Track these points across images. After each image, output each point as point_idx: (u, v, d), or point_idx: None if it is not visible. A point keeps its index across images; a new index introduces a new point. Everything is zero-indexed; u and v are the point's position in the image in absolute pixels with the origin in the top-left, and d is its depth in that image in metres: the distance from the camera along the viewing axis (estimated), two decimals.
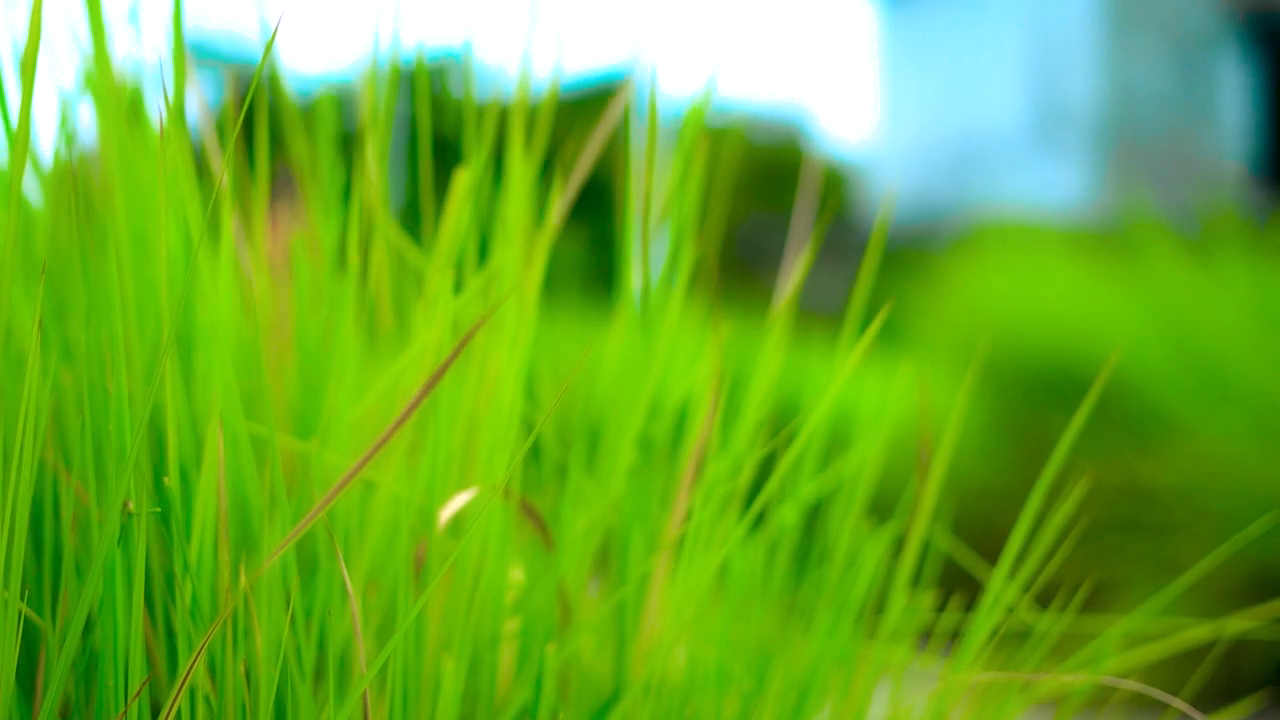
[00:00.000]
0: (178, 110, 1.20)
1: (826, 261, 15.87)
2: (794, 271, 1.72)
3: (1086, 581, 4.54)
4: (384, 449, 1.17)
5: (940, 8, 17.30)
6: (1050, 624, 1.36)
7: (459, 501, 1.12)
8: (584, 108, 23.95)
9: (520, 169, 1.24)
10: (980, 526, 5.41)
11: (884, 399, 6.24)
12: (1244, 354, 4.70)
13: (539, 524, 1.17)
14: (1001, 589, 1.32)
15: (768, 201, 24.11)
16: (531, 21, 1.36)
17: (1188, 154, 14.77)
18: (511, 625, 1.24)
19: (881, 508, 4.81)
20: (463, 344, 1.00)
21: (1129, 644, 1.48)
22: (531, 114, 1.38)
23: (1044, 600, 4.57)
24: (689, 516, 1.25)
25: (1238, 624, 1.33)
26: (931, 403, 5.87)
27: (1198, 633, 1.34)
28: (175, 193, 1.11)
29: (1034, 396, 5.31)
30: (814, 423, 1.32)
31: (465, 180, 1.21)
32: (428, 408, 1.17)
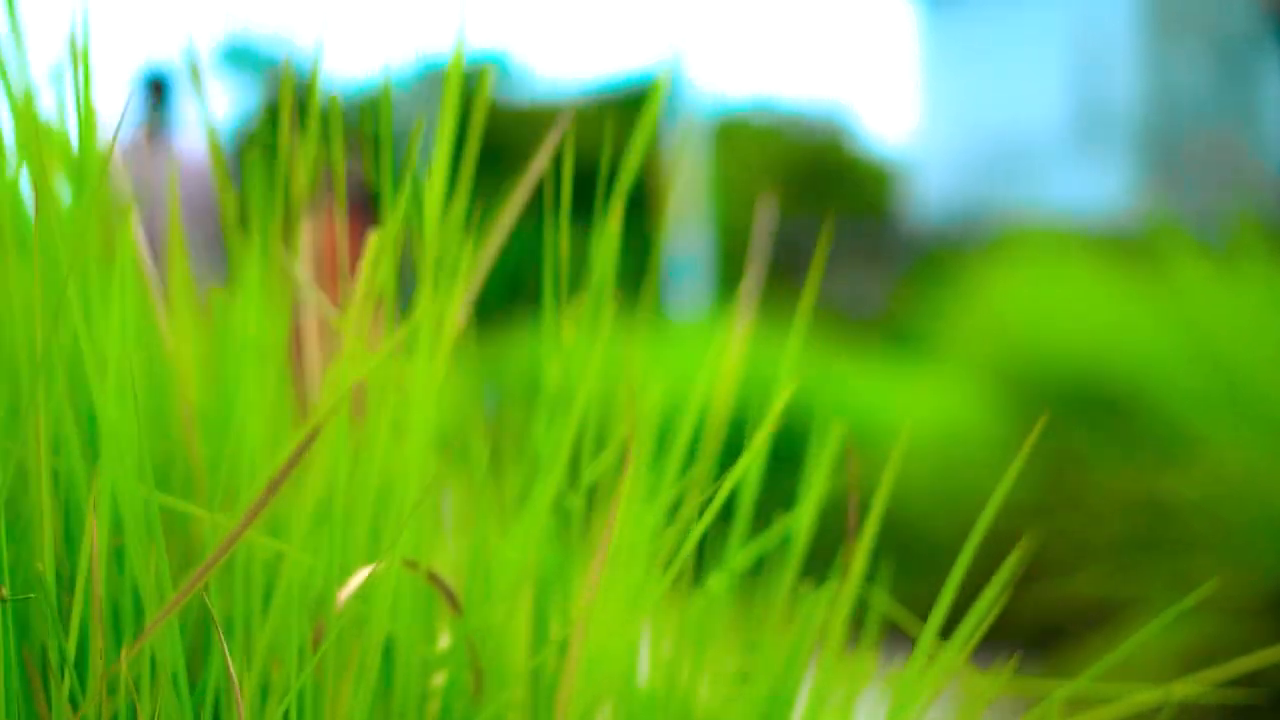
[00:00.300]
0: (85, 167, 1.17)
1: (865, 263, 15.85)
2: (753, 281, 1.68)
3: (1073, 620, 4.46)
4: (292, 517, 1.14)
5: (980, 8, 17.22)
6: (987, 686, 1.32)
7: (361, 576, 1.09)
8: (619, 110, 23.91)
9: (435, 224, 1.21)
10: (1003, 541, 5.35)
11: (909, 407, 6.20)
12: (1266, 367, 4.64)
13: (446, 593, 1.14)
14: (935, 642, 1.28)
15: (809, 202, 24.02)
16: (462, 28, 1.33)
17: (1229, 157, 14.66)
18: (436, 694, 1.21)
19: (900, 523, 4.74)
20: (329, 413, 0.97)
21: (1091, 701, 1.43)
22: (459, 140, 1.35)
23: (1058, 622, 4.49)
24: (611, 572, 1.22)
25: (1186, 688, 1.29)
26: (955, 413, 5.83)
27: (1146, 697, 1.30)
28: (50, 250, 1.08)
29: (1058, 409, 5.26)
30: (750, 458, 1.29)
31: (381, 240, 1.18)
32: (339, 472, 1.14)
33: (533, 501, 1.19)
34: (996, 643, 5.31)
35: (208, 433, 1.22)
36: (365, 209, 9.09)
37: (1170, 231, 5.35)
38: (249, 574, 1.12)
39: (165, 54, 7.84)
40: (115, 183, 1.35)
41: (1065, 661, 4.71)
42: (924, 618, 4.67)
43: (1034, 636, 4.97)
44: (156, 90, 7.49)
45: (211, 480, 1.19)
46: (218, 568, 1.16)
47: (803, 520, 1.29)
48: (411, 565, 1.12)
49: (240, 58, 27.30)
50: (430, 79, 20.24)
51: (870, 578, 1.52)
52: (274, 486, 0.97)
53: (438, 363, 1.15)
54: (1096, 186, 15.20)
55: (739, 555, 1.27)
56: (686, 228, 13.47)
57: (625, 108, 24.23)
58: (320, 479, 1.13)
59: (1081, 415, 5.12)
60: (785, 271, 15.50)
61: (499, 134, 25.74)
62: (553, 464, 1.18)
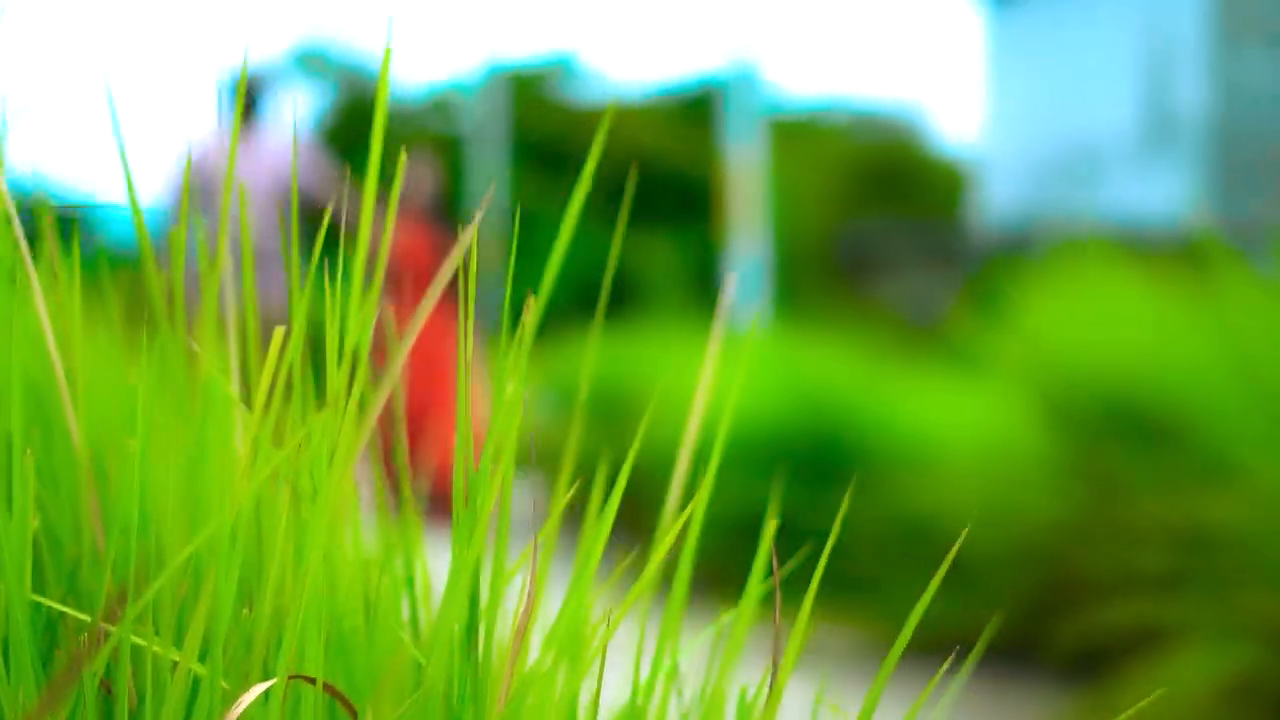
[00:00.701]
0: None
1: (932, 266, 15.71)
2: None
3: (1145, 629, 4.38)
4: (192, 629, 1.10)
5: (1045, 10, 17.08)
6: None
7: (254, 693, 1.05)
8: (681, 113, 23.87)
9: (351, 316, 1.16)
10: (1049, 562, 5.30)
11: (956, 423, 6.13)
12: None
13: (344, 702, 1.09)
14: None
15: (874, 203, 23.91)
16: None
17: None
18: None
19: (943, 539, 4.64)
20: (228, 513, 0.93)
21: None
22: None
23: (1100, 648, 4.41)
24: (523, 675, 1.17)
25: None
26: (1002, 430, 5.75)
27: None
28: None
29: (1104, 430, 5.18)
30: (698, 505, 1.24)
31: (283, 336, 1.13)
32: (228, 577, 1.10)
33: (445, 602, 1.15)
34: (1037, 667, 5.26)
35: (123, 528, 1.18)
36: (437, 214, 9.02)
37: (1220, 246, 5.26)
38: (143, 685, 1.08)
39: (250, 58, 8.10)
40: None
41: (1107, 688, 4.64)
42: (965, 634, 4.63)
43: (1075, 661, 4.90)
44: (246, 92, 7.80)
45: (116, 580, 1.15)
46: (123, 676, 1.12)
47: (743, 619, 1.24)
48: (306, 679, 1.08)
49: (313, 62, 27.40)
50: (499, 81, 20.25)
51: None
52: (116, 608, 0.93)
53: (341, 470, 1.10)
54: (1164, 190, 15.05)
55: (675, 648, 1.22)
56: (748, 230, 13.40)
57: (692, 109, 24.19)
58: (215, 585, 1.09)
59: (1127, 437, 5.05)
60: (852, 273, 15.43)
61: (566, 135, 25.74)
62: (462, 566, 1.13)
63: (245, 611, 1.07)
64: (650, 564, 1.26)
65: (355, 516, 1.28)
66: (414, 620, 1.29)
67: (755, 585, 1.20)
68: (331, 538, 1.11)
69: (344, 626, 1.19)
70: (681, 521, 1.28)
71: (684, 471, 1.42)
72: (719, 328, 1.53)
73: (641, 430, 1.33)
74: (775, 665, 1.13)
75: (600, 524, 1.23)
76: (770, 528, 1.37)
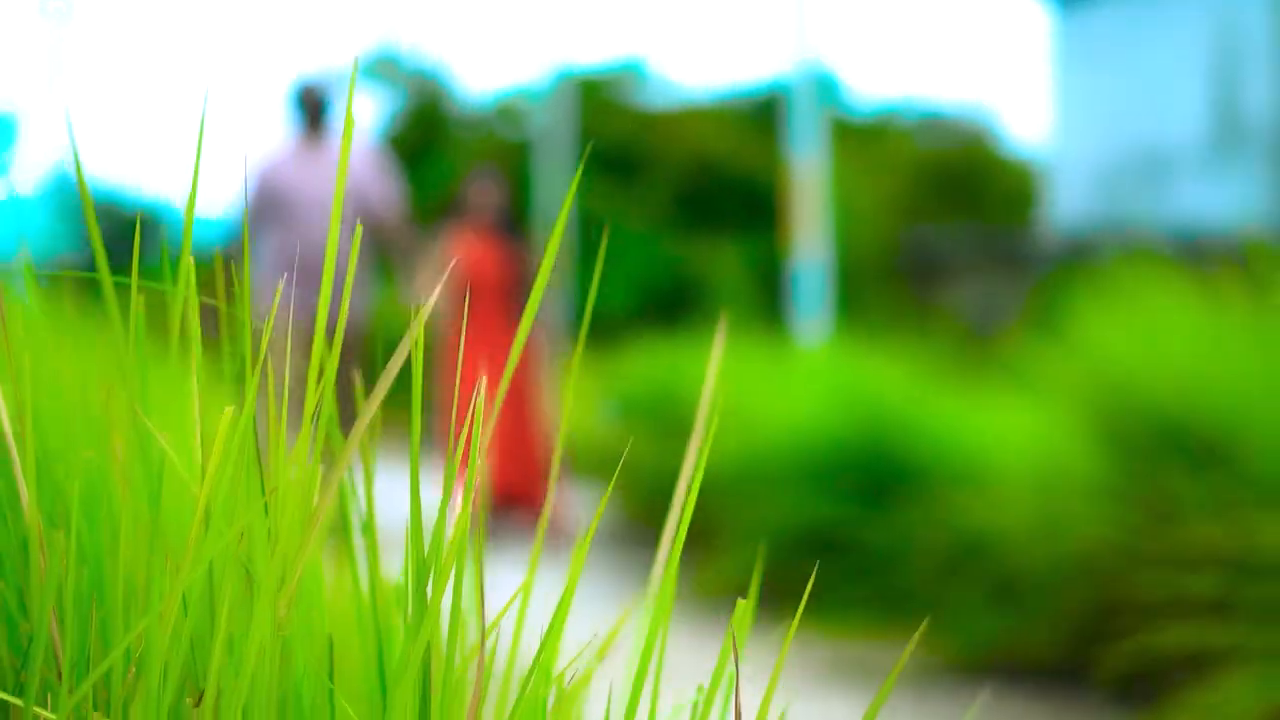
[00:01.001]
0: None
1: (1000, 270, 15.55)
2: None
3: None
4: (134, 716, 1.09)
5: (1113, 13, 16.95)
6: None
7: None
8: (748, 118, 23.80)
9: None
10: (1101, 583, 5.23)
11: (1010, 439, 6.07)
12: None
13: None
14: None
15: (940, 208, 23.79)
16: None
17: None
18: None
19: (995, 557, 4.58)
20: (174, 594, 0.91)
21: None
22: None
23: (1149, 671, 4.34)
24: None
25: None
26: (1056, 447, 5.69)
27: None
28: None
29: (1158, 452, 5.11)
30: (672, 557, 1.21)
31: (232, 417, 1.11)
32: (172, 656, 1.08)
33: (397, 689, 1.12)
34: (1088, 688, 5.19)
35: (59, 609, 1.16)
36: (505, 227, 9.03)
37: (1276, 260, 5.18)
38: None
39: (319, 67, 8.33)
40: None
41: (1157, 711, 4.59)
42: (1016, 654, 4.56)
43: (1126, 683, 4.85)
44: (313, 101, 8.06)
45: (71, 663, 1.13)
46: None
47: (716, 684, 1.21)
48: None
49: (384, 68, 27.51)
50: (567, 86, 20.24)
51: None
52: None
53: (296, 547, 1.08)
54: (1234, 195, 14.92)
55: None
56: (812, 236, 13.35)
57: (759, 113, 24.13)
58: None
59: (1180, 458, 4.98)
60: (917, 279, 15.34)
61: (635, 140, 25.71)
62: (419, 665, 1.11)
63: (187, 701, 1.05)
64: (620, 618, 1.23)
65: (318, 582, 1.26)
66: (382, 690, 1.27)
67: (723, 665, 1.17)
68: (291, 610, 1.09)
69: (304, 702, 1.17)
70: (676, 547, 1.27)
71: (690, 491, 1.39)
72: (719, 344, 1.50)
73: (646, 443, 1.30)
74: None
75: (568, 586, 1.21)
76: (756, 583, 1.34)
